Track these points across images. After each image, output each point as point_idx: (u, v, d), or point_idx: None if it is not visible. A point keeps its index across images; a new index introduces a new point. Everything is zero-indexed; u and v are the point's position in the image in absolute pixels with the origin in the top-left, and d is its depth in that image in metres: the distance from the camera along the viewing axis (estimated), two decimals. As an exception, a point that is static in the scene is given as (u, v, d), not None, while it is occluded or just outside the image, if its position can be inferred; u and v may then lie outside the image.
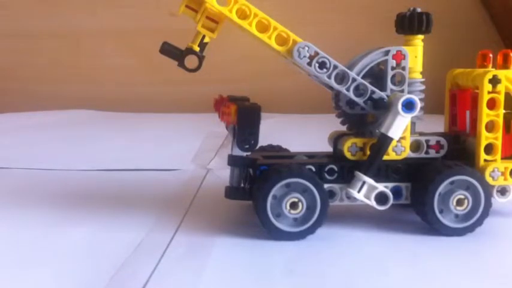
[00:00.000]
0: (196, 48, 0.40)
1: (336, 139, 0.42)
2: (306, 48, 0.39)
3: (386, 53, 0.40)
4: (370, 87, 0.39)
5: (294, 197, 0.38)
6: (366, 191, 0.39)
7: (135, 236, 0.39)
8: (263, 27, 0.39)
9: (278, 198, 0.38)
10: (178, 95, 1.14)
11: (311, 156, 0.43)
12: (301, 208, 0.38)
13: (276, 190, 0.38)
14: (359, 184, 0.39)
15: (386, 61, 0.40)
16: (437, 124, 0.47)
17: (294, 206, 0.38)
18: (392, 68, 0.40)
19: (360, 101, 0.39)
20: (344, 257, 0.36)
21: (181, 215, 0.43)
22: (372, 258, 0.36)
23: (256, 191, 0.38)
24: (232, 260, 0.35)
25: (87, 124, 0.98)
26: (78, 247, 0.38)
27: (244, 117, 0.39)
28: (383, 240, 0.39)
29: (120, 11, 1.15)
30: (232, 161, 0.40)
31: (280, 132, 0.77)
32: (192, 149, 0.71)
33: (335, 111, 0.42)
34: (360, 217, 0.42)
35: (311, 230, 0.38)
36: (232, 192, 0.41)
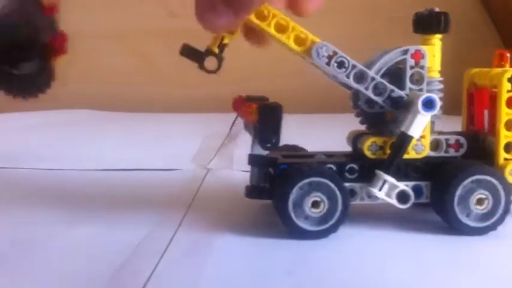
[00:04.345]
0: (216, 50, 0.40)
1: (355, 138, 0.42)
2: (325, 48, 0.39)
3: (405, 52, 0.40)
4: (389, 86, 0.39)
5: (315, 196, 0.38)
6: (387, 189, 0.39)
7: (136, 235, 0.39)
8: (281, 28, 0.39)
9: (300, 198, 0.38)
10: (178, 95, 1.14)
11: (330, 155, 0.43)
12: (323, 207, 0.38)
13: (297, 189, 0.38)
14: (380, 183, 0.39)
15: (405, 60, 0.40)
16: (452, 125, 0.47)
17: (315, 205, 0.38)
18: (411, 67, 0.40)
19: (379, 100, 0.40)
20: (345, 257, 0.36)
21: (181, 215, 0.43)
22: (375, 258, 0.36)
23: (277, 190, 0.38)
24: (232, 260, 0.35)
25: (87, 124, 0.98)
26: (78, 247, 0.38)
27: (266, 116, 0.39)
28: (388, 239, 0.39)
29: (119, 11, 1.15)
30: (253, 160, 0.41)
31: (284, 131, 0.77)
32: (192, 149, 0.71)
33: (353, 110, 0.42)
34: (364, 217, 0.42)
35: (333, 229, 0.38)
36: (252, 191, 0.41)
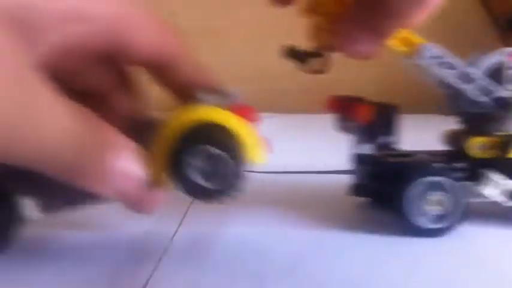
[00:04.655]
0: (321, 51, 0.39)
1: (456, 137, 0.43)
2: (433, 49, 0.39)
3: (504, 53, 0.41)
4: (493, 86, 0.40)
5: (433, 194, 0.39)
6: (495, 188, 0.40)
7: (135, 235, 0.39)
8: None
9: (417, 196, 0.39)
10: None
11: (432, 154, 0.44)
12: (441, 205, 0.39)
13: (414, 188, 0.39)
14: (487, 182, 0.40)
15: (503, 61, 0.41)
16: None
17: (433, 203, 0.39)
18: (510, 68, 0.41)
19: (484, 100, 0.40)
20: (344, 258, 0.36)
21: (181, 215, 0.43)
22: (374, 258, 0.36)
23: (394, 189, 0.39)
24: (233, 259, 0.35)
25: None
26: (77, 247, 0.37)
27: (383, 116, 0.40)
28: (498, 237, 0.40)
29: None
30: (360, 159, 0.42)
31: (281, 132, 0.77)
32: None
33: (451, 111, 0.42)
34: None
35: (450, 227, 0.39)
36: (357, 189, 0.43)
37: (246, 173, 0.31)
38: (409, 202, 0.38)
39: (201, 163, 0.30)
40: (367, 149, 0.41)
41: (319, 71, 0.39)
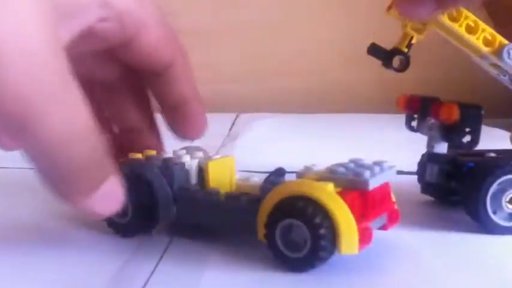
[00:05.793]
0: (404, 49, 0.40)
1: None
2: None
3: None
4: None
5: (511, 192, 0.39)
6: None
7: (135, 235, 0.39)
8: (471, 29, 0.40)
9: (496, 194, 0.39)
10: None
11: (500, 153, 0.44)
12: None
13: (495, 186, 0.39)
14: None
15: None
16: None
17: (510, 200, 0.40)
18: None
19: None
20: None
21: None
22: (371, 256, 0.36)
23: (472, 188, 0.40)
24: (233, 259, 0.35)
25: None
26: (77, 247, 0.38)
27: (467, 116, 0.40)
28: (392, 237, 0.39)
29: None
30: (434, 158, 0.42)
31: (279, 132, 0.77)
32: (192, 149, 0.71)
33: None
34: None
35: None
36: (429, 188, 0.44)
37: (328, 256, 0.32)
38: (489, 200, 0.39)
39: (286, 236, 0.33)
40: (443, 148, 0.42)
41: (400, 69, 0.40)
